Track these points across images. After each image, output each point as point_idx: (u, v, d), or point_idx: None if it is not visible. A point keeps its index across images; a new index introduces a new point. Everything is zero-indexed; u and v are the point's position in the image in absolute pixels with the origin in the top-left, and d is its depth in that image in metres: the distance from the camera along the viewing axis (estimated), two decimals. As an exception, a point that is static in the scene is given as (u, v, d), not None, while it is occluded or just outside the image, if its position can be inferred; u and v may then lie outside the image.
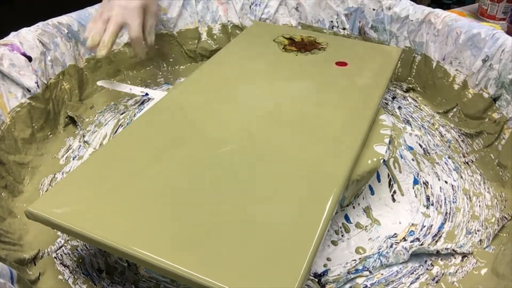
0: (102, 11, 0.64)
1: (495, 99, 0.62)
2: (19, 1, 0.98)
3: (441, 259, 0.50)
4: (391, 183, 0.58)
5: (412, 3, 0.76)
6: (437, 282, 0.48)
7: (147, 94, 0.69)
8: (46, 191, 0.43)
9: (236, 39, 0.75)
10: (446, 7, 1.61)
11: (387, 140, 0.55)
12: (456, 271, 0.49)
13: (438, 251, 0.50)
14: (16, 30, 0.62)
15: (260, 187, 0.45)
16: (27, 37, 0.64)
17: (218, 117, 0.55)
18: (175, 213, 0.42)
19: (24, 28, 0.65)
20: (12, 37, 0.63)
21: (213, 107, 0.57)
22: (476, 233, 0.53)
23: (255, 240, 0.39)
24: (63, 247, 0.51)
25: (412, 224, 0.54)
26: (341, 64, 0.67)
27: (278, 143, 0.51)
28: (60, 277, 0.48)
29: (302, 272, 0.36)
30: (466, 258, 0.50)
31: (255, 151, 0.50)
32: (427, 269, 0.49)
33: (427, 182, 0.59)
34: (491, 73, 0.63)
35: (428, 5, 1.52)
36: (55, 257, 0.50)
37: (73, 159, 0.62)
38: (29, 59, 0.62)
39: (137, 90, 0.70)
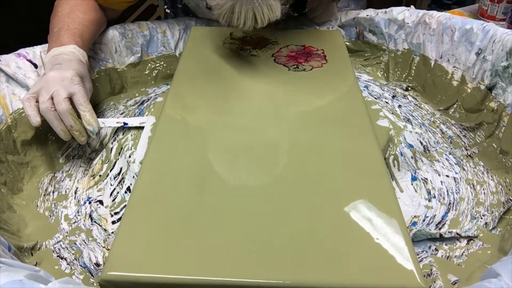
0: (40, 89, 0.55)
1: (490, 88, 0.63)
2: (20, 2, 1.00)
3: (445, 244, 0.49)
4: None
5: (407, 7, 0.77)
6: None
7: (125, 123, 0.63)
8: (109, 252, 0.41)
9: (186, 50, 0.74)
10: (446, 7, 1.62)
11: (382, 113, 0.60)
12: (462, 254, 0.47)
13: (441, 235, 0.48)
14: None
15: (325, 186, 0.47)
16: (33, 50, 0.66)
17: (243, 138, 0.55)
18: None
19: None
20: (19, 50, 0.65)
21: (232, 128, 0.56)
22: (481, 218, 0.51)
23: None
24: (61, 242, 0.51)
25: (415, 216, 0.53)
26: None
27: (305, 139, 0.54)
28: (56, 267, 0.48)
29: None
30: (471, 241, 0.49)
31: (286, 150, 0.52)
32: (432, 253, 0.48)
33: (426, 179, 0.58)
34: (485, 65, 0.63)
35: (429, 6, 1.53)
36: (52, 250, 0.50)
37: (72, 158, 0.62)
38: (35, 66, 0.64)
39: (113, 122, 0.63)
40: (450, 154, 0.62)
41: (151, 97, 0.74)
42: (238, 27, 0.59)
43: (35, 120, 0.54)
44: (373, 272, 0.38)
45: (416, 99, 0.74)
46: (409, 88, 0.77)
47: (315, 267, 0.38)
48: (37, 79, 0.60)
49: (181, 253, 0.40)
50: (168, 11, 1.00)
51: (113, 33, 0.74)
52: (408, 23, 0.76)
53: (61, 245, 0.50)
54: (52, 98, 0.54)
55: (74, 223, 0.53)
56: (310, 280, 0.38)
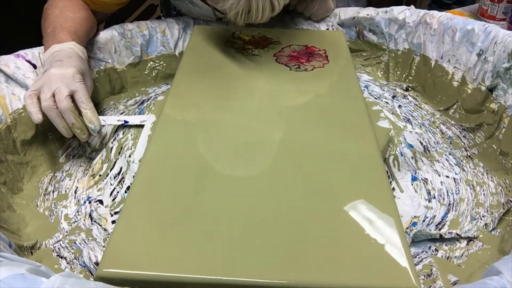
0: (41, 86, 0.55)
1: (491, 89, 0.63)
2: (20, 2, 1.00)
3: (445, 244, 0.49)
4: (390, 181, 0.57)
5: (407, 7, 0.77)
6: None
7: (126, 121, 0.63)
8: (105, 249, 0.41)
9: (189, 49, 0.74)
10: (446, 7, 1.62)
11: (382, 114, 0.60)
12: (462, 254, 0.47)
13: (441, 235, 0.48)
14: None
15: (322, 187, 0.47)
16: (32, 51, 0.66)
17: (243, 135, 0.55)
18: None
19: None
20: (18, 52, 0.65)
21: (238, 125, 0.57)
22: (481, 219, 0.51)
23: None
24: (61, 241, 0.51)
25: (415, 216, 0.53)
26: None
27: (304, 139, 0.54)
28: (56, 266, 0.48)
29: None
30: (471, 242, 0.49)
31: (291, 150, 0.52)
32: (432, 254, 0.48)
33: (426, 179, 0.58)
34: (486, 66, 0.63)
35: (429, 5, 1.52)
36: (52, 250, 0.50)
37: (72, 157, 0.62)
38: (34, 66, 0.64)
39: (113, 120, 0.63)
40: (450, 154, 0.62)
41: (151, 96, 0.74)
42: (256, 21, 0.60)
43: (37, 117, 0.54)
44: (369, 272, 0.38)
45: (416, 99, 0.74)
46: (409, 88, 0.77)
47: (311, 267, 0.38)
48: (38, 75, 0.60)
49: (178, 251, 0.40)
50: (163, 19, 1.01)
51: (113, 33, 0.74)
52: (408, 23, 0.76)
53: (61, 244, 0.50)
54: (54, 96, 0.54)
55: (74, 222, 0.53)
56: (306, 280, 0.38)
